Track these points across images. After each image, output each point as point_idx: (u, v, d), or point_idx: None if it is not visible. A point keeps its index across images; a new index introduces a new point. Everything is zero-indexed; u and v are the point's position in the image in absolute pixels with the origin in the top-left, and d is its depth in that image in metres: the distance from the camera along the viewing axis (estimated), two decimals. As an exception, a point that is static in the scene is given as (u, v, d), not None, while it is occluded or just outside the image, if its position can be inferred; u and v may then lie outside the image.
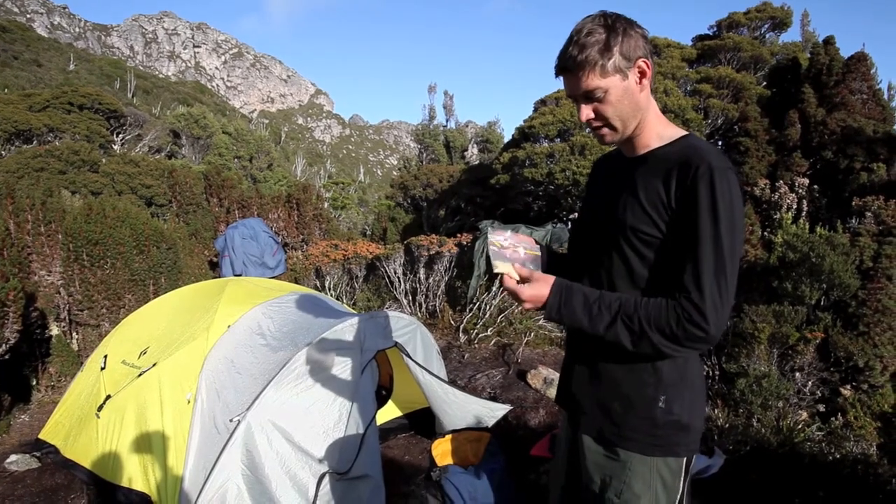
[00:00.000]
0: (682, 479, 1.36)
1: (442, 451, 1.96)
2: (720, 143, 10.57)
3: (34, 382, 5.29)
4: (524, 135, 11.22)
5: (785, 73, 10.09)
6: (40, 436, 4.00)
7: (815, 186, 7.77)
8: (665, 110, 9.89)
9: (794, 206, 7.23)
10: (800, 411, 4.78)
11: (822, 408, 4.74)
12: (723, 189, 1.22)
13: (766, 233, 6.90)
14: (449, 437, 1.93)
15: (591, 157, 9.32)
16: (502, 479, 1.90)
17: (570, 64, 1.30)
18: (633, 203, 1.34)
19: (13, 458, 3.81)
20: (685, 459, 1.36)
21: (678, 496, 1.36)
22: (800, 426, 4.32)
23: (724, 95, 10.32)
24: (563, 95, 11.88)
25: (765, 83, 10.81)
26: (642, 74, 1.33)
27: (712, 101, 10.10)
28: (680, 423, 1.35)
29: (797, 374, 4.86)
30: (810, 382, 4.81)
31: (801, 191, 7.52)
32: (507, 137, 14.78)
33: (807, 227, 6.40)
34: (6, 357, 4.56)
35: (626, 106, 1.34)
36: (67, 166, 12.79)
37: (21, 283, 4.75)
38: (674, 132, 1.41)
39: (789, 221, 6.44)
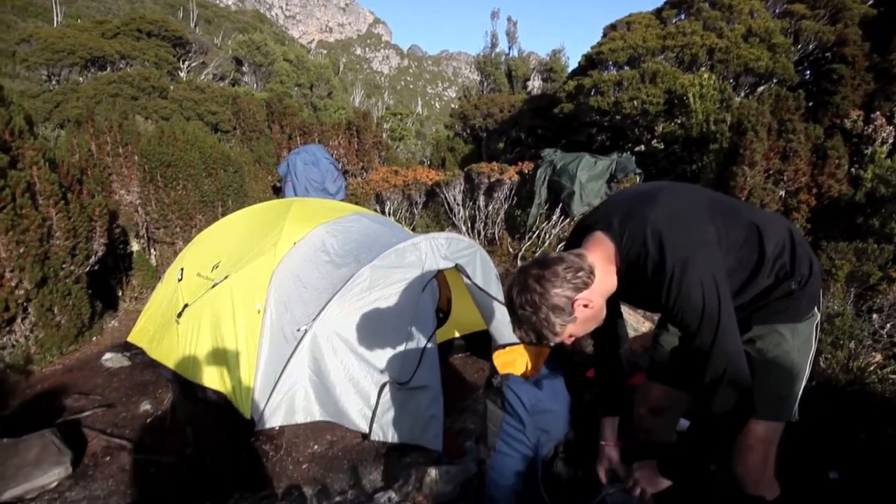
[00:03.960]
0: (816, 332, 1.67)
1: (503, 361, 2.00)
2: (808, 73, 9.66)
3: (120, 293, 5.72)
4: (591, 62, 10.62)
5: (896, -11, 8.96)
6: (128, 339, 4.36)
7: (919, 119, 7.03)
8: (749, 34, 9.07)
9: (891, 140, 6.59)
10: (874, 353, 4.54)
11: (899, 350, 4.49)
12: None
13: (853, 168, 6.37)
14: (510, 348, 1.97)
15: (663, 84, 8.76)
16: (562, 392, 1.93)
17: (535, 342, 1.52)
18: None
19: (108, 355, 4.19)
20: (815, 319, 1.67)
21: (815, 344, 1.68)
22: (872, 367, 4.13)
23: (820, 16, 9.33)
24: (635, 20, 11.10)
25: (871, 2, 9.65)
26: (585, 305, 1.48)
27: (805, 22, 9.16)
28: (807, 295, 1.62)
29: (874, 316, 4.59)
30: (889, 325, 4.55)
31: (900, 123, 6.82)
32: (573, 67, 14.06)
33: (903, 162, 5.85)
34: (96, 268, 4.92)
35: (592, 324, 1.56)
36: (139, 92, 13.23)
37: (104, 201, 5.05)
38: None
39: (883, 156, 5.89)
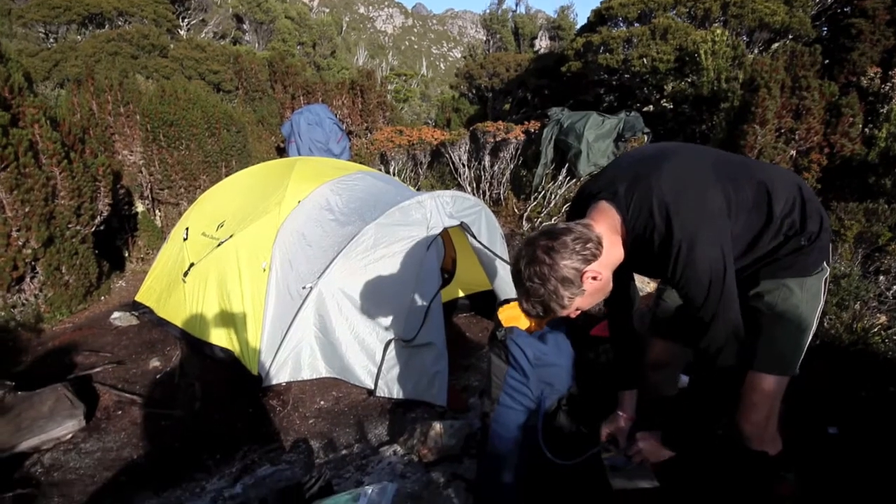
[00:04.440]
0: (824, 286, 1.65)
1: (508, 315, 1.99)
2: (825, 29, 9.36)
3: (126, 254, 5.75)
4: (601, 18, 10.33)
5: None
6: (136, 298, 4.41)
7: (937, 77, 6.82)
8: (765, -13, 8.76)
9: (908, 98, 6.41)
10: (878, 315, 4.54)
11: (903, 312, 4.48)
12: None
13: (867, 128, 6.23)
14: (515, 303, 1.96)
15: (674, 41, 8.52)
16: (566, 346, 1.93)
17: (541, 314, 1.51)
18: None
19: (117, 314, 4.25)
20: (825, 273, 1.64)
21: (824, 299, 1.66)
22: (875, 329, 4.13)
23: (840, -32, 8.99)
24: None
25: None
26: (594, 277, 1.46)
27: (825, -26, 8.84)
28: (816, 250, 1.59)
29: (881, 277, 4.57)
30: (895, 287, 4.53)
31: (918, 81, 6.62)
32: (582, 24, 13.67)
33: (919, 121, 5.70)
34: (101, 228, 4.93)
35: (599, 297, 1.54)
36: (139, 51, 13.00)
37: (108, 161, 5.02)
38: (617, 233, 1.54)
39: (899, 114, 5.74)
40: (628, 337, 1.89)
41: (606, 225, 1.50)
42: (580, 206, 1.63)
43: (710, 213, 1.44)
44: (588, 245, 1.42)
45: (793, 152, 5.32)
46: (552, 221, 5.74)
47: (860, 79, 7.02)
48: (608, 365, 2.02)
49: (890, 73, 6.71)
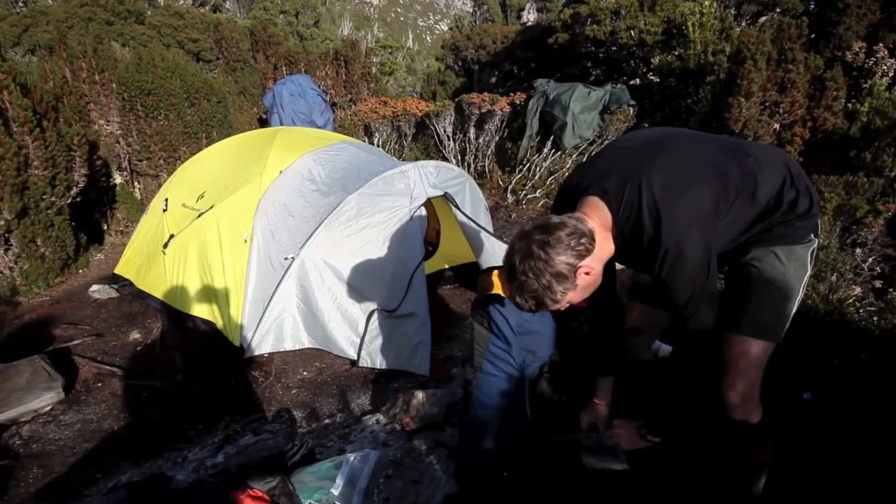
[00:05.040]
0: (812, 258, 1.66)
1: (490, 283, 1.99)
2: (812, 2, 9.31)
3: (105, 227, 5.64)
4: (589, -12, 10.17)
5: None
6: (115, 271, 4.33)
7: (922, 52, 6.83)
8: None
9: (892, 74, 6.42)
10: (854, 286, 4.63)
11: (878, 284, 4.57)
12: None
13: (850, 102, 6.25)
14: (497, 271, 1.96)
15: (662, 13, 8.42)
16: (548, 314, 1.94)
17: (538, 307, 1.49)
18: None
19: (95, 287, 4.18)
20: (812, 245, 1.65)
21: (811, 270, 1.67)
22: (850, 300, 4.21)
23: (828, -60, 8.88)
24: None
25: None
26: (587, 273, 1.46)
27: (813, -54, 8.74)
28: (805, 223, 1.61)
29: (858, 250, 4.65)
30: (871, 259, 4.61)
31: (902, 56, 6.63)
32: (569, -6, 13.44)
33: (902, 96, 5.72)
34: (78, 200, 4.82)
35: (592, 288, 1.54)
36: (114, 17, 12.58)
37: (83, 130, 4.88)
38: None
39: (882, 88, 5.76)
40: (609, 328, 1.92)
41: (597, 220, 1.50)
42: (568, 198, 1.62)
43: (700, 215, 1.45)
44: (582, 240, 1.42)
45: (776, 125, 5.33)
46: (537, 194, 5.71)
47: (845, 53, 7.01)
48: (590, 333, 2.04)
49: (874, 47, 6.71)
